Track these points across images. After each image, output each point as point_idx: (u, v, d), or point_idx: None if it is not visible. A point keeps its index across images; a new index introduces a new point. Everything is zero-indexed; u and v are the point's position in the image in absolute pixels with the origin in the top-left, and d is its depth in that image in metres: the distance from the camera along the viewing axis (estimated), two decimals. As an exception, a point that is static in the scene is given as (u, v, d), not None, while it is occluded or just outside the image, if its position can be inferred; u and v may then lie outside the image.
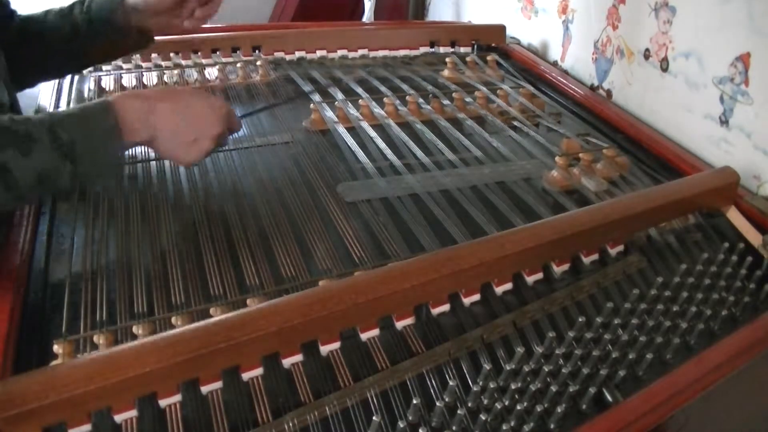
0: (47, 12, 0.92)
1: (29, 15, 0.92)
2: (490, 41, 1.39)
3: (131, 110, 0.70)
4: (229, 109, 0.79)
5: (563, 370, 0.57)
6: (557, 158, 0.91)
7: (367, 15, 1.86)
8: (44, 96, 1.06)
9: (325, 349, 0.60)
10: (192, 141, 0.74)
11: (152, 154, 0.91)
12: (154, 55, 1.19)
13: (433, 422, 0.53)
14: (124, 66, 1.18)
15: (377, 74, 1.21)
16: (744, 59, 0.91)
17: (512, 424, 0.53)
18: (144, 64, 1.19)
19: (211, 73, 1.16)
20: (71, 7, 0.92)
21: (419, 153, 0.94)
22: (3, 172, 0.61)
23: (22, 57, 0.88)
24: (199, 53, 1.21)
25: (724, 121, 0.95)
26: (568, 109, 1.15)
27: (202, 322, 0.56)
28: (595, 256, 0.74)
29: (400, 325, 0.63)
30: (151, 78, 1.14)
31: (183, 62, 1.20)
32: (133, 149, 0.91)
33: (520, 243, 0.68)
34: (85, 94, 1.08)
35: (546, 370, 0.57)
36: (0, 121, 0.62)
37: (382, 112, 1.05)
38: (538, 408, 0.54)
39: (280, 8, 2.13)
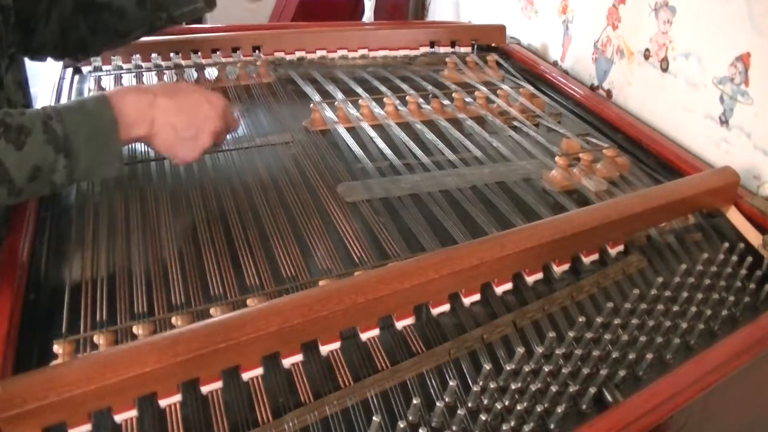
0: None
1: None
2: (490, 41, 1.39)
3: (130, 104, 0.69)
4: (227, 106, 0.79)
5: (563, 370, 0.57)
6: (557, 158, 0.91)
7: (367, 15, 1.86)
8: (44, 96, 1.06)
9: (325, 349, 0.60)
10: (191, 137, 0.74)
11: (152, 154, 0.91)
12: (153, 55, 1.19)
13: (433, 422, 0.53)
14: (124, 66, 1.18)
15: (377, 74, 1.21)
16: (744, 59, 0.91)
17: (512, 424, 0.53)
18: (144, 64, 1.19)
19: (211, 73, 1.16)
20: None
21: (419, 153, 0.94)
22: None
23: (90, 26, 0.90)
24: (199, 53, 1.21)
25: (724, 121, 0.95)
26: (568, 109, 1.15)
27: (202, 322, 0.56)
28: (595, 256, 0.74)
29: (400, 325, 0.63)
30: (150, 78, 1.14)
31: (183, 62, 1.20)
32: (133, 147, 0.91)
33: (520, 243, 0.68)
34: (85, 94, 1.08)
35: (546, 370, 0.57)
36: None
37: (382, 112, 1.05)
38: (538, 408, 0.54)
39: (280, 8, 2.13)
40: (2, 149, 0.60)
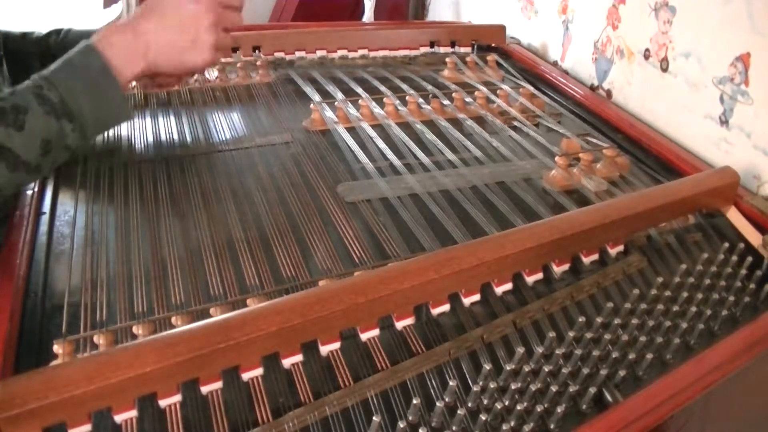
0: (24, 34, 0.92)
1: (7, 32, 0.92)
2: (490, 41, 1.39)
3: (117, 44, 0.67)
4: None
5: (563, 370, 0.57)
6: (557, 158, 0.91)
7: (367, 15, 1.86)
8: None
9: (325, 350, 0.60)
10: (190, 43, 0.72)
11: (151, 154, 0.91)
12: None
13: (433, 422, 0.53)
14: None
15: (377, 74, 1.21)
16: (744, 59, 0.91)
17: (512, 424, 0.53)
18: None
19: (211, 73, 1.16)
20: (48, 34, 0.93)
21: (419, 153, 0.94)
22: (2, 153, 0.60)
23: None
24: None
25: (724, 121, 0.95)
26: (568, 109, 1.15)
27: (201, 322, 0.56)
28: (595, 257, 0.74)
29: (400, 325, 0.63)
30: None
31: (183, 62, 1.20)
32: (133, 147, 0.91)
33: (520, 243, 0.68)
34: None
35: (546, 370, 0.57)
36: None
37: (382, 112, 1.05)
38: (538, 408, 0.54)
39: (280, 8, 2.13)
40: (5, 135, 0.60)
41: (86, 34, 0.91)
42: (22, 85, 0.64)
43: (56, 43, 0.92)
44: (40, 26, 0.95)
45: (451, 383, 0.56)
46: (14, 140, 0.60)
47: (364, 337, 0.62)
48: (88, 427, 0.51)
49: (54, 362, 0.57)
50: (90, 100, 0.64)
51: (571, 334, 0.62)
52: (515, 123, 1.07)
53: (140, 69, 0.69)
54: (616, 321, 0.64)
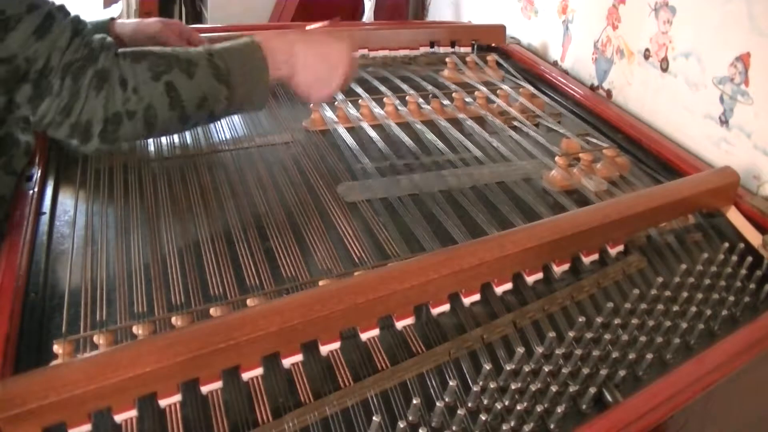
0: None
1: None
2: (490, 41, 1.39)
3: (276, 49, 0.78)
4: (353, 52, 0.86)
5: (563, 370, 0.57)
6: (557, 158, 0.91)
7: (367, 15, 1.86)
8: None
9: (325, 349, 0.60)
10: (325, 79, 0.83)
11: (152, 154, 0.91)
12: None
13: (433, 422, 0.53)
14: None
15: (377, 74, 1.21)
16: (744, 59, 0.91)
17: (512, 424, 0.53)
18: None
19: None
20: None
21: (419, 153, 0.94)
22: (170, 90, 0.69)
23: None
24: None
25: (724, 121, 0.95)
26: (568, 109, 1.15)
27: (201, 322, 0.56)
28: (595, 256, 0.74)
29: (400, 325, 0.63)
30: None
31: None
32: (133, 147, 0.91)
33: (520, 243, 0.68)
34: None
35: (546, 370, 0.57)
36: (161, 50, 0.71)
37: (382, 112, 1.05)
38: (538, 408, 0.54)
39: (280, 8, 2.13)
40: (177, 77, 0.70)
41: (100, 25, 0.93)
42: (194, 48, 0.75)
43: None
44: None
45: (451, 383, 0.56)
46: (182, 83, 0.70)
47: (364, 336, 0.62)
48: (88, 426, 0.51)
49: (54, 362, 0.57)
50: (246, 80, 0.75)
51: (571, 334, 0.62)
52: (515, 123, 1.07)
53: (282, 75, 0.80)
54: (616, 321, 0.64)
